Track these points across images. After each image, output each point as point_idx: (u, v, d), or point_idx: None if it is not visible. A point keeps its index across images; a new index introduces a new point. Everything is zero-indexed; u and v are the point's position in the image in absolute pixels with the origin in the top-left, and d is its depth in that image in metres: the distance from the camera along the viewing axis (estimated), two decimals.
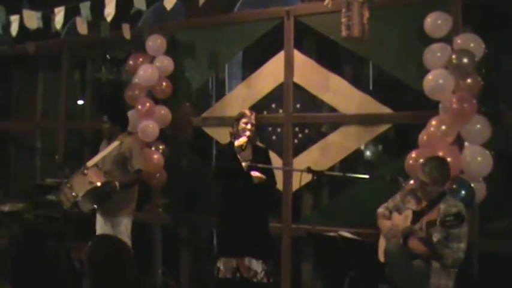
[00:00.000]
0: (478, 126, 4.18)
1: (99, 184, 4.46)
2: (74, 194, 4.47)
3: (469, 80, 4.16)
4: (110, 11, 4.70)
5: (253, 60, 5.77)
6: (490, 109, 4.37)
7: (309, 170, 4.26)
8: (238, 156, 4.64)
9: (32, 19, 5.00)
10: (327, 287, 5.32)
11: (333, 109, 5.13)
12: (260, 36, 5.38)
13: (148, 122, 5.43)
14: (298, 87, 5.24)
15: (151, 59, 5.60)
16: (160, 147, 5.50)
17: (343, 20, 4.16)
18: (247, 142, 4.60)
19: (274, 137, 5.73)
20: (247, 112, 4.77)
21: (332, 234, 3.79)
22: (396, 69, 4.82)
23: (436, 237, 3.64)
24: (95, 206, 4.66)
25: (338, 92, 5.04)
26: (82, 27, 5.01)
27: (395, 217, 4.02)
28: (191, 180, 5.71)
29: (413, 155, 4.36)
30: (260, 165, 4.59)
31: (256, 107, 5.25)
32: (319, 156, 5.08)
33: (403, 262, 3.73)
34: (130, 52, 5.90)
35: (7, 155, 7.67)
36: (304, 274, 5.48)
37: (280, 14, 5.23)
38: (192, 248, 5.99)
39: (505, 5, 4.61)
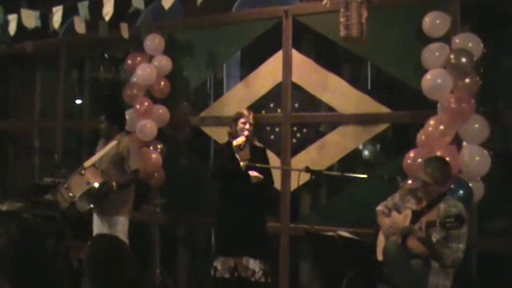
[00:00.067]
0: (476, 126, 4.19)
1: (96, 185, 4.45)
2: (71, 194, 4.45)
3: (467, 80, 4.17)
4: (108, 10, 4.69)
5: (252, 60, 5.76)
6: (488, 109, 4.38)
7: (307, 169, 4.24)
8: (237, 156, 4.63)
9: (30, 18, 4.99)
10: (325, 286, 5.31)
11: (331, 109, 5.14)
12: (258, 35, 5.38)
13: (146, 121, 5.43)
14: (296, 87, 5.24)
15: (150, 59, 5.61)
16: (159, 146, 5.51)
17: (342, 19, 4.17)
18: (245, 142, 4.60)
19: (272, 137, 5.73)
20: (245, 112, 4.76)
21: (330, 233, 3.79)
22: (394, 68, 4.82)
23: (435, 237, 3.64)
24: (92, 206, 4.65)
25: (336, 92, 5.04)
26: (80, 27, 4.99)
27: (394, 216, 4.02)
28: (189, 179, 5.71)
29: (411, 154, 4.37)
30: (258, 165, 4.58)
31: (255, 107, 5.25)
32: (317, 155, 5.08)
33: (401, 261, 3.73)
34: (128, 51, 5.89)
35: (5, 155, 7.66)
36: (302, 274, 5.47)
37: (279, 13, 5.24)
38: (190, 248, 5.98)
39: (503, 5, 4.61)
